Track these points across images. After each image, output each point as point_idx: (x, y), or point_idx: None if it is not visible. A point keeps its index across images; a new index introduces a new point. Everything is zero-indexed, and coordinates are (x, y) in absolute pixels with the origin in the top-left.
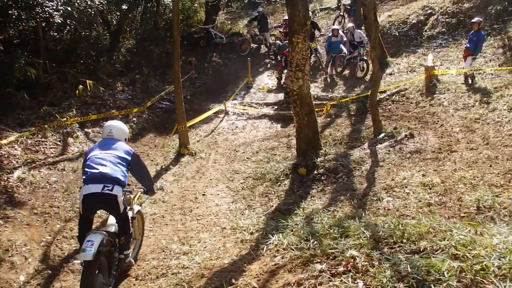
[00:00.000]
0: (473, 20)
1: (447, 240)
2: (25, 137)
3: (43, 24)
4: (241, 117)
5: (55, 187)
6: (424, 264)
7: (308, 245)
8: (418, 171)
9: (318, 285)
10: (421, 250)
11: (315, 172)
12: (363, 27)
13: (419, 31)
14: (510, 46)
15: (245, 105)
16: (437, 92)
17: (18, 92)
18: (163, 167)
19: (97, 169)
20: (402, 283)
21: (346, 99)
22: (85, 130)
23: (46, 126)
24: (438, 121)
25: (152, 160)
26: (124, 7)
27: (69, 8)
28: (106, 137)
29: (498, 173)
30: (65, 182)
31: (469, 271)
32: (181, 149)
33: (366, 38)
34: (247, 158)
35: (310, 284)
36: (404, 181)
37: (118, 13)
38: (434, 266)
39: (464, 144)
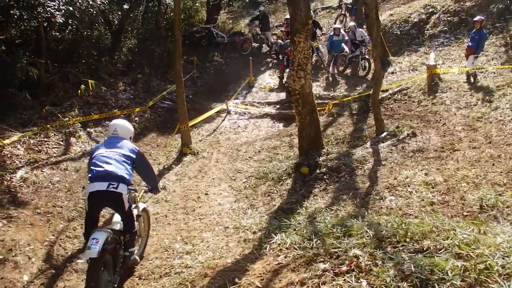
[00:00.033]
0: (475, 19)
1: (451, 239)
2: (27, 137)
3: (45, 24)
4: (243, 117)
5: (58, 186)
6: (428, 263)
7: (311, 244)
8: (421, 170)
9: (322, 285)
10: (425, 249)
11: (318, 171)
12: (364, 26)
13: (421, 30)
14: None
15: (247, 105)
16: (439, 91)
17: (20, 92)
18: (166, 166)
19: (102, 167)
20: (405, 282)
21: (348, 98)
22: (87, 130)
23: (48, 126)
24: (440, 120)
25: (154, 160)
26: (125, 6)
27: (71, 8)
28: (111, 136)
29: (501, 172)
30: (68, 182)
31: (473, 270)
32: (183, 149)
33: (367, 37)
34: (249, 157)
35: (314, 284)
36: (407, 180)
37: (119, 13)
38: (438, 265)
39: (466, 143)
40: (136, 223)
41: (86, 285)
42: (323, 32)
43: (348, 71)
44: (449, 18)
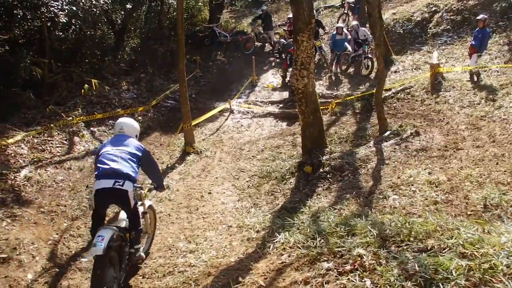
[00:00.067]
0: (478, 17)
1: (455, 239)
2: (31, 136)
3: (48, 24)
4: (246, 116)
5: (61, 185)
6: (432, 263)
7: (314, 243)
8: (424, 169)
9: (325, 284)
10: (429, 248)
11: (321, 170)
12: (367, 25)
13: (423, 29)
14: None
15: (250, 104)
16: (442, 89)
17: (23, 92)
18: (169, 165)
19: (108, 165)
20: (409, 282)
21: (351, 97)
22: (90, 129)
23: (52, 125)
24: (443, 118)
25: (158, 159)
26: (128, 6)
27: (74, 8)
28: (118, 134)
29: (505, 171)
30: (71, 181)
31: (477, 269)
32: (187, 148)
33: (370, 36)
34: (252, 156)
35: (317, 283)
36: (410, 179)
37: (122, 12)
38: (442, 265)
39: (470, 142)
40: (141, 220)
41: (92, 281)
42: (326, 31)
43: (351, 70)
44: (452, 17)
